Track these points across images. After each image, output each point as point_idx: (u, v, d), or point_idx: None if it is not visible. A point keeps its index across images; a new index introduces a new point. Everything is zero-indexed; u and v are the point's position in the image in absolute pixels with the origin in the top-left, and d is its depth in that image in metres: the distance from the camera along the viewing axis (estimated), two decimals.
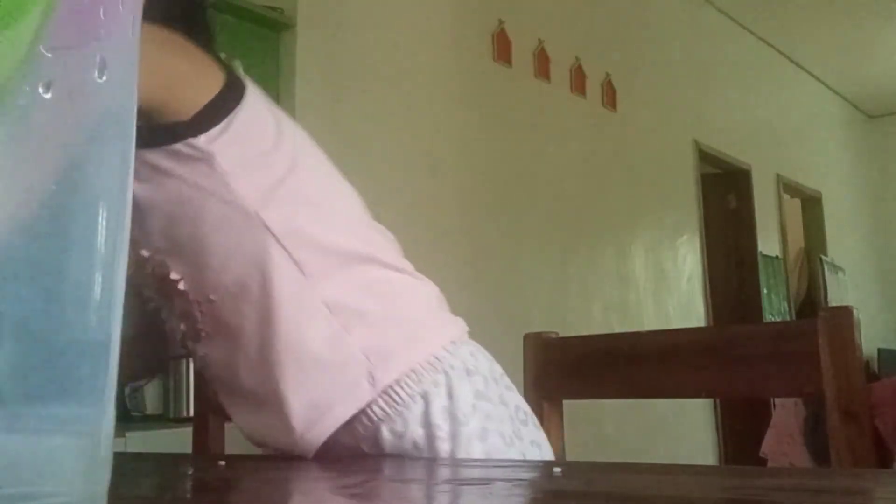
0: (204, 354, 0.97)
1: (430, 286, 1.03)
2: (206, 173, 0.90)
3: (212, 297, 0.93)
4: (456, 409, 0.92)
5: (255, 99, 0.96)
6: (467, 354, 0.98)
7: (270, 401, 0.91)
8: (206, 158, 0.90)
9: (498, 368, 1.02)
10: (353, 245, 0.97)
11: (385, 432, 0.90)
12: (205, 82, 0.92)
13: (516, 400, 1.02)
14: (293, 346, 0.90)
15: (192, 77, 0.92)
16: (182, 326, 0.98)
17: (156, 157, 0.89)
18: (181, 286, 0.93)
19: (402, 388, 0.91)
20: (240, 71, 0.98)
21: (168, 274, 0.94)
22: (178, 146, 0.89)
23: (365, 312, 0.93)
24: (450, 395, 0.92)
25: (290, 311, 0.90)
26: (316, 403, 0.90)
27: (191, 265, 0.93)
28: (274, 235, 0.91)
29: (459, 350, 0.97)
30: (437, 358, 0.94)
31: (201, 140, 0.90)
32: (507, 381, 1.02)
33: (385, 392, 0.90)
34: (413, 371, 0.92)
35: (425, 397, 0.91)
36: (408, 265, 1.02)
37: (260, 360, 0.92)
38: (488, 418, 0.94)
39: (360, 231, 1.00)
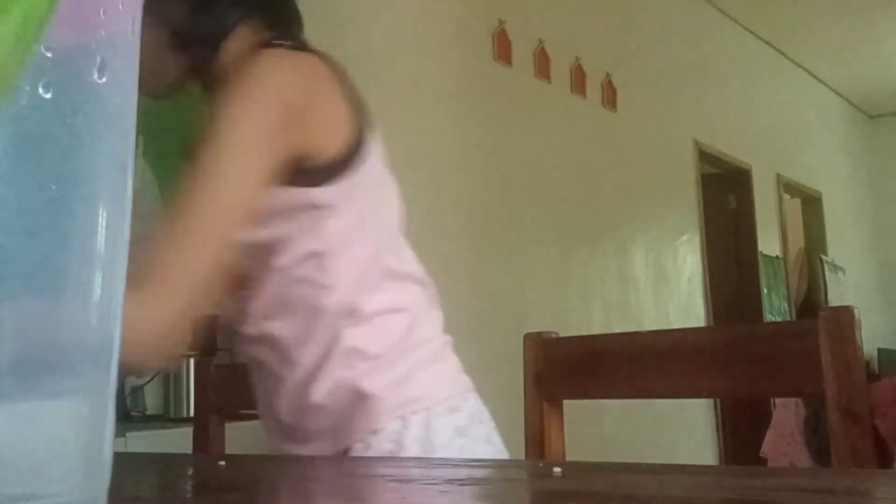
0: (246, 354, 1.01)
1: (436, 314, 1.04)
2: (315, 225, 0.89)
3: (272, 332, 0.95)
4: (431, 439, 0.92)
5: (375, 152, 0.96)
6: (457, 397, 0.99)
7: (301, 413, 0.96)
8: (327, 209, 0.89)
9: (486, 412, 1.02)
10: (387, 300, 0.97)
11: (357, 443, 0.93)
12: (339, 128, 0.91)
13: (500, 443, 1.02)
14: (323, 386, 0.93)
15: (332, 120, 0.91)
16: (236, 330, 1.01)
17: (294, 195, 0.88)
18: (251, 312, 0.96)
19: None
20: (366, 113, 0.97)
21: (247, 294, 0.94)
22: (302, 191, 0.88)
23: (376, 357, 0.93)
24: (427, 426, 0.93)
25: (326, 357, 0.93)
26: (328, 431, 0.95)
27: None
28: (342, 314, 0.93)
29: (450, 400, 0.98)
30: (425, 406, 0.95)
31: (330, 192, 0.89)
32: (493, 424, 1.03)
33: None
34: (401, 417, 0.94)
35: (403, 418, 0.93)
36: (417, 285, 1.03)
37: (293, 390, 0.95)
38: (462, 452, 0.94)
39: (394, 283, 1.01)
